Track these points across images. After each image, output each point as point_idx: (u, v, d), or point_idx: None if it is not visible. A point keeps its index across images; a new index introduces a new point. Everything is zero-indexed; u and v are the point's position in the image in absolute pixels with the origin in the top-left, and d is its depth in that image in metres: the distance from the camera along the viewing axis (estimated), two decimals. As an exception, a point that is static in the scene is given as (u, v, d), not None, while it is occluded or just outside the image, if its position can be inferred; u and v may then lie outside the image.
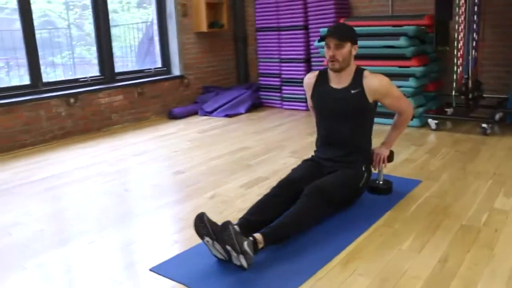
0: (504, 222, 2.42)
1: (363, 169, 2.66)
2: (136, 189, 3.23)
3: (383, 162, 2.80)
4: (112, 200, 3.05)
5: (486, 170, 3.23)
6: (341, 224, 2.47)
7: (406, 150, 3.80)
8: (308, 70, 5.42)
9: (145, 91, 5.43)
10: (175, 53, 5.79)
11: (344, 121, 2.63)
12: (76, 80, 4.96)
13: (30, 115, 4.41)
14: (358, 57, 4.66)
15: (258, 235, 2.12)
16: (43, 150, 4.31)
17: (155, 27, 5.79)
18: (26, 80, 4.60)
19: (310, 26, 5.37)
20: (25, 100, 4.38)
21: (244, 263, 2.03)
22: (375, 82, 2.59)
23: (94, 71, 5.19)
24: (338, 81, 2.64)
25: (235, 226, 2.07)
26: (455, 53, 4.14)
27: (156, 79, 5.58)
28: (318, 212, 2.37)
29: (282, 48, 5.68)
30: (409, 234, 2.33)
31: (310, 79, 2.76)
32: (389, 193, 2.87)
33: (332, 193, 2.42)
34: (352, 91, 2.59)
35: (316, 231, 2.37)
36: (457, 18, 4.09)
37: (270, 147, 4.11)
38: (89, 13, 5.09)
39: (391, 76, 4.47)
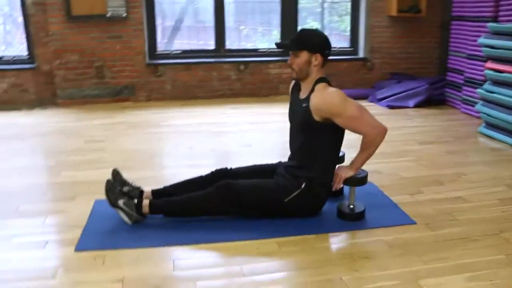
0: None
1: (302, 186, 2.43)
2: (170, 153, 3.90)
3: (339, 183, 2.48)
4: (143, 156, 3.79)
5: (523, 243, 2.33)
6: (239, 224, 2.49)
7: (481, 188, 2.98)
8: (490, 71, 4.49)
9: (318, 69, 5.66)
10: (362, 35, 5.71)
11: (296, 134, 2.55)
12: (255, 50, 5.69)
13: (204, 74, 5.45)
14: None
15: (145, 201, 2.47)
16: (204, 104, 5.31)
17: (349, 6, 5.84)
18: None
19: (501, 18, 4.37)
20: (202, 61, 5.44)
21: (124, 218, 2.44)
22: (317, 100, 2.37)
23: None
24: (303, 91, 2.51)
25: (113, 185, 2.47)
26: None
27: (334, 59, 5.69)
28: (216, 206, 2.44)
29: (469, 42, 4.83)
30: (273, 268, 2.16)
31: (292, 84, 2.69)
32: (356, 220, 2.54)
33: (242, 196, 2.42)
34: (303, 105, 2.43)
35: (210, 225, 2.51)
36: None
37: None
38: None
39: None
